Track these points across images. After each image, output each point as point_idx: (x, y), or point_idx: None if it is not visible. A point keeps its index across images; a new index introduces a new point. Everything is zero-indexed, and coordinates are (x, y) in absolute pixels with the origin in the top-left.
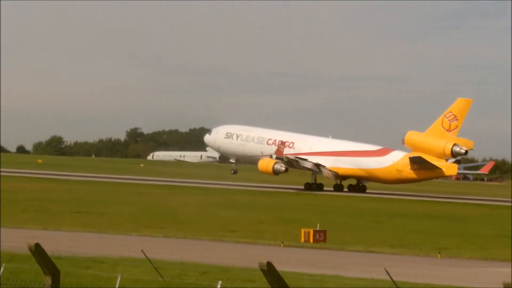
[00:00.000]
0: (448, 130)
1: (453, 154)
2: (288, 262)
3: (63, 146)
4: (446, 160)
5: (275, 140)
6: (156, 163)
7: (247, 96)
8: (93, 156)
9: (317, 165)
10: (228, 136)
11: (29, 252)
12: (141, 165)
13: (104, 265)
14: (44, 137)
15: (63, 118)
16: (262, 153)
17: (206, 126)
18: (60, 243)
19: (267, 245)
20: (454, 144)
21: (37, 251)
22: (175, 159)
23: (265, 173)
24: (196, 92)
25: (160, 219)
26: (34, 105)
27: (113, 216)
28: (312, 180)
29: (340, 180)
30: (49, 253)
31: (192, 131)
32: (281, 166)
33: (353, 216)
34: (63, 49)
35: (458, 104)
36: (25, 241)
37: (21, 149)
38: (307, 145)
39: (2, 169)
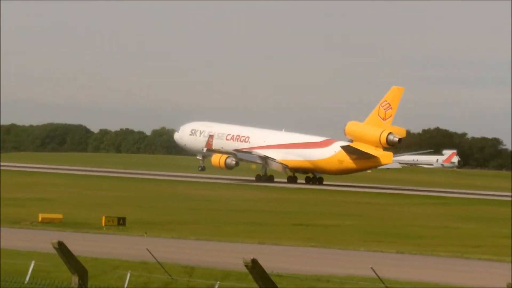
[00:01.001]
0: (384, 119)
1: (388, 143)
2: None
3: None
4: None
5: (233, 135)
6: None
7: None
8: None
9: (265, 158)
10: (192, 133)
11: (245, 269)
12: (368, 171)
13: (329, 284)
14: None
15: (287, 113)
16: (222, 148)
17: (441, 126)
18: (279, 259)
19: None
20: (389, 133)
21: (254, 267)
22: (406, 164)
23: (219, 168)
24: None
25: (391, 233)
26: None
27: (338, 229)
28: (262, 172)
29: (293, 172)
30: (267, 270)
31: (426, 132)
32: (231, 160)
33: None
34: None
35: (392, 93)
36: (240, 257)
37: None
38: (260, 139)
39: (214, 176)
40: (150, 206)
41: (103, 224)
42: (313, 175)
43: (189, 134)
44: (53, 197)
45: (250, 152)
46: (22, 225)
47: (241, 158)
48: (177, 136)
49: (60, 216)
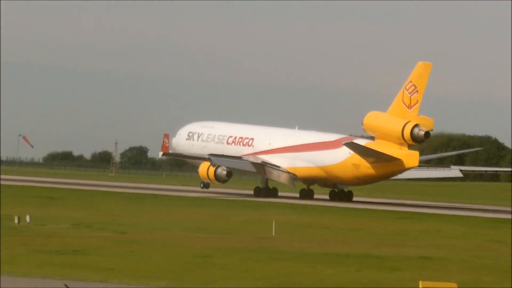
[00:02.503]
0: (409, 107)
1: (413, 139)
2: None
3: None
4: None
5: (235, 138)
6: None
7: None
8: None
9: (262, 165)
10: (189, 137)
11: None
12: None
13: None
14: None
15: None
16: (223, 155)
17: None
18: None
19: None
20: (415, 125)
21: None
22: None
23: (208, 181)
24: None
25: None
26: None
27: None
28: (262, 184)
29: (307, 184)
30: None
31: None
32: (222, 170)
33: None
34: None
35: (418, 71)
36: None
37: None
38: (265, 141)
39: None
40: None
41: None
42: (336, 187)
43: (186, 139)
44: (442, 254)
45: (240, 158)
46: None
47: (227, 166)
48: (174, 142)
49: (453, 285)
